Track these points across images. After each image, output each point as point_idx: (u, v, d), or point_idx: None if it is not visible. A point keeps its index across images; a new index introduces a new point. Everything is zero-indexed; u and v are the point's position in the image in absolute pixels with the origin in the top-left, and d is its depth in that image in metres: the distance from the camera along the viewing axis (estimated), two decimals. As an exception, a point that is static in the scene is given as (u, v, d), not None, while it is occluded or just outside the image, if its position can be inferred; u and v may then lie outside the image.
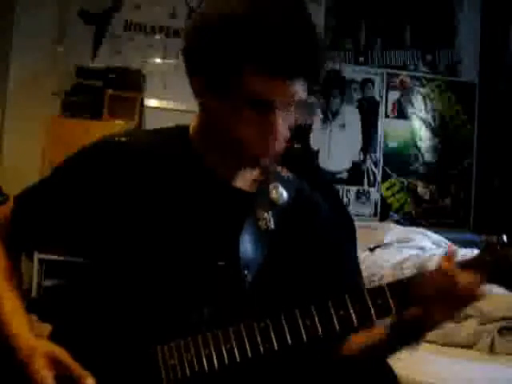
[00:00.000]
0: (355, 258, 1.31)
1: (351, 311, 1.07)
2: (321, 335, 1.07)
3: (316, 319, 1.07)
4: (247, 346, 1.08)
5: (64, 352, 1.08)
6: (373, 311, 1.07)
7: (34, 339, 1.10)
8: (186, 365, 1.08)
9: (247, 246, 1.17)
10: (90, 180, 1.19)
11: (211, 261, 1.15)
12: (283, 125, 1.11)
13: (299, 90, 1.10)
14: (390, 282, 1.09)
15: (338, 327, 1.07)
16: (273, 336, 1.07)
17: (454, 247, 1.15)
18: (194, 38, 1.13)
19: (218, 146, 1.17)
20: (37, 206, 1.23)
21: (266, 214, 1.20)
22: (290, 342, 1.07)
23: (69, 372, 1.07)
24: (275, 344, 1.07)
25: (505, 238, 1.11)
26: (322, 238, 1.25)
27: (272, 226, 1.20)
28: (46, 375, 1.05)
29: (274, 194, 1.23)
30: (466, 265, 1.10)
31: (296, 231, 1.23)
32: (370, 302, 1.07)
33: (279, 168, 1.28)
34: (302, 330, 1.07)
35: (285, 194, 1.24)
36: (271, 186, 1.24)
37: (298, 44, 1.06)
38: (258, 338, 1.08)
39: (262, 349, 1.08)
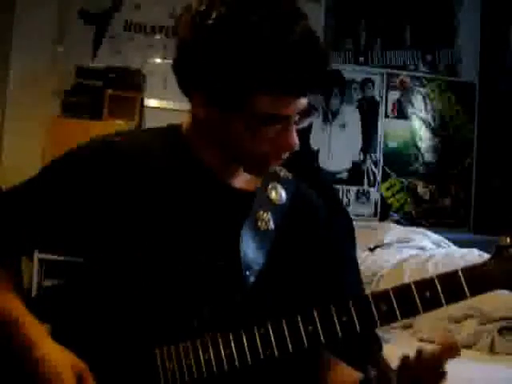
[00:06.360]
0: (354, 259, 1.30)
1: (354, 317, 1.05)
2: (323, 341, 1.06)
3: (318, 325, 1.06)
4: (247, 352, 1.06)
5: (87, 369, 1.05)
6: (377, 317, 1.05)
7: (59, 351, 1.05)
8: (185, 369, 1.07)
9: (248, 246, 1.15)
10: (81, 182, 1.15)
11: (210, 261, 1.13)
12: (295, 134, 1.12)
13: (307, 99, 1.11)
14: (395, 287, 1.07)
15: (340, 333, 1.05)
16: (273, 342, 1.06)
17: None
18: (196, 52, 1.08)
19: (223, 153, 1.16)
20: (24, 209, 1.17)
21: (265, 215, 1.19)
22: (290, 348, 1.06)
23: None
24: (276, 350, 1.06)
25: None
26: (321, 239, 1.24)
27: (272, 227, 1.19)
28: None
29: (273, 194, 1.22)
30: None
31: (295, 232, 1.22)
32: (374, 308, 1.05)
33: (278, 168, 1.27)
34: (304, 336, 1.06)
35: (284, 195, 1.23)
36: (270, 186, 1.23)
37: (310, 64, 1.07)
38: (259, 344, 1.06)
39: (262, 355, 1.06)
